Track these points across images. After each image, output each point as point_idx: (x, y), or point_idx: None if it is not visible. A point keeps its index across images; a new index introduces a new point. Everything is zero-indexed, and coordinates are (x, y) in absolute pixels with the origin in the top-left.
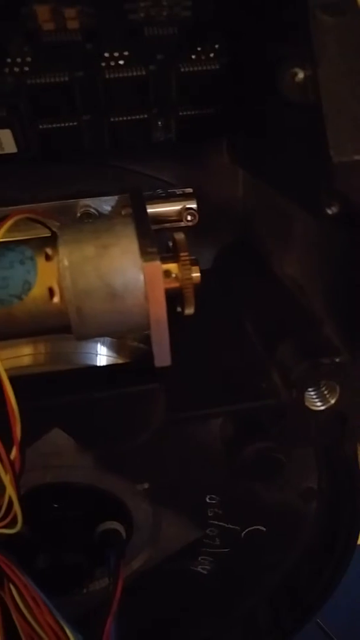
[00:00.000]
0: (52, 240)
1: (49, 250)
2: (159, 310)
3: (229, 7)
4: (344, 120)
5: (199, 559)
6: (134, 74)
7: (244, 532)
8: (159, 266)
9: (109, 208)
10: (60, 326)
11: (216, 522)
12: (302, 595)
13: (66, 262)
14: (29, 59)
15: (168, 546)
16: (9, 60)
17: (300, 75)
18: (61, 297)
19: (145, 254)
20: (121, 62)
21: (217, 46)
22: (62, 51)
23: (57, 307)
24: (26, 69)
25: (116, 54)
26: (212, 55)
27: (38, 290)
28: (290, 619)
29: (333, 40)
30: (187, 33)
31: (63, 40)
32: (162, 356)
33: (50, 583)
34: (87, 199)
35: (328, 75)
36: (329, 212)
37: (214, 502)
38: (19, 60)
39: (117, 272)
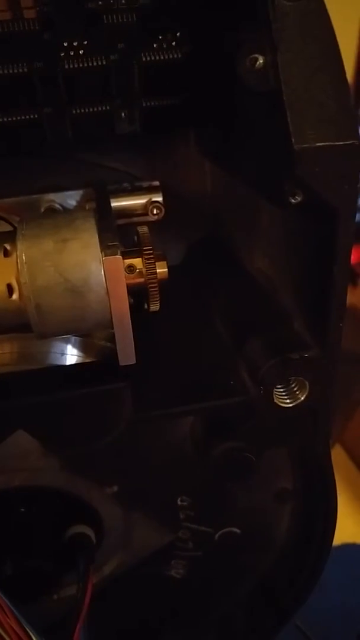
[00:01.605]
0: (11, 236)
1: (7, 246)
2: (121, 306)
3: None
4: (305, 106)
5: (172, 562)
6: (95, 63)
7: (218, 535)
8: (119, 260)
9: (73, 203)
10: (20, 324)
11: (188, 525)
12: (278, 598)
13: (24, 258)
14: None
15: (140, 550)
16: None
17: (260, 61)
18: (20, 293)
19: (106, 248)
20: (81, 51)
21: (178, 34)
22: (20, 41)
23: (16, 305)
24: None
25: (75, 44)
26: (173, 43)
27: None
28: (266, 623)
29: (292, 24)
30: (147, 21)
31: (20, 30)
32: (126, 354)
33: (18, 589)
34: (51, 193)
35: (288, 60)
36: (293, 201)
37: (185, 504)
38: None
39: (77, 267)
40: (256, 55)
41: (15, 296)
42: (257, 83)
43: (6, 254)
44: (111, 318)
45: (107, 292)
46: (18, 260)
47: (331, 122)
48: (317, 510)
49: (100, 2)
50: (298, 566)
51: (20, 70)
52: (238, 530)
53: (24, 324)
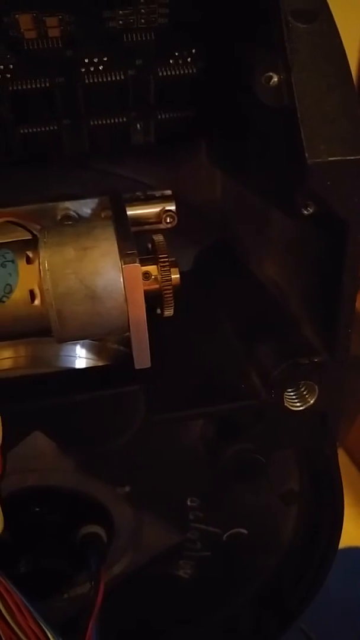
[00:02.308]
0: (32, 243)
1: (29, 253)
2: (138, 312)
3: (204, 14)
4: (317, 122)
5: (181, 562)
6: (113, 78)
7: (226, 535)
8: (138, 268)
9: (88, 211)
10: (41, 329)
11: (197, 525)
12: (284, 600)
13: (47, 265)
14: (11, 66)
15: (149, 550)
16: None
17: (275, 79)
18: (42, 299)
19: (125, 256)
20: (101, 67)
21: (193, 51)
22: (43, 58)
23: (38, 310)
24: (8, 75)
25: (96, 60)
26: (189, 59)
27: (19, 293)
28: (272, 624)
29: (305, 45)
30: (164, 39)
31: (44, 47)
32: (142, 358)
33: (31, 588)
34: (67, 201)
35: (301, 79)
36: (305, 212)
37: (195, 505)
38: (1, 67)
39: (97, 275)
40: (271, 74)
41: (37, 302)
42: (271, 100)
43: (28, 261)
44: (128, 323)
45: (126, 299)
46: (40, 268)
47: (343, 137)
48: (324, 512)
49: (120, 22)
50: (304, 568)
51: (43, 85)
52: (245, 531)
53: (44, 328)
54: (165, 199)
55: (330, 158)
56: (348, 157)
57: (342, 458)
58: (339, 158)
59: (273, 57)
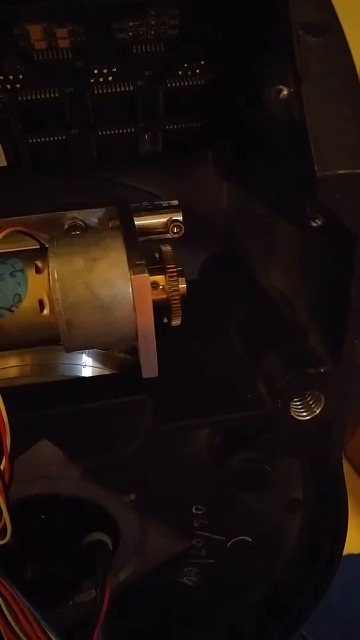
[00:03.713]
0: (41, 253)
1: (39, 263)
2: (146, 322)
3: (214, 26)
4: (327, 135)
5: (185, 570)
6: (122, 89)
7: (230, 543)
8: (147, 278)
9: (96, 220)
10: (50, 338)
11: (202, 533)
12: (287, 607)
13: (56, 275)
14: (21, 76)
15: (154, 557)
16: (1, 77)
17: (285, 92)
18: (51, 309)
19: (134, 267)
20: (110, 78)
21: (202, 62)
22: (53, 68)
23: (47, 320)
24: (18, 85)
25: (105, 71)
26: (197, 71)
27: (28, 303)
28: (276, 631)
29: (315, 58)
30: (173, 50)
31: (54, 58)
32: (149, 367)
33: (37, 594)
34: (75, 211)
35: (311, 92)
36: (314, 224)
37: (200, 512)
38: (11, 77)
39: (106, 285)
40: (281, 87)
41: (46, 311)
42: (281, 112)
43: (38, 270)
44: (136, 333)
45: (134, 308)
46: (50, 278)
47: (352, 150)
48: (328, 519)
49: (130, 33)
50: (308, 575)
51: (52, 95)
52: (250, 539)
53: (53, 338)
54: (172, 208)
55: (340, 171)
56: (357, 170)
57: (345, 466)
58: (348, 171)
59: (283, 70)
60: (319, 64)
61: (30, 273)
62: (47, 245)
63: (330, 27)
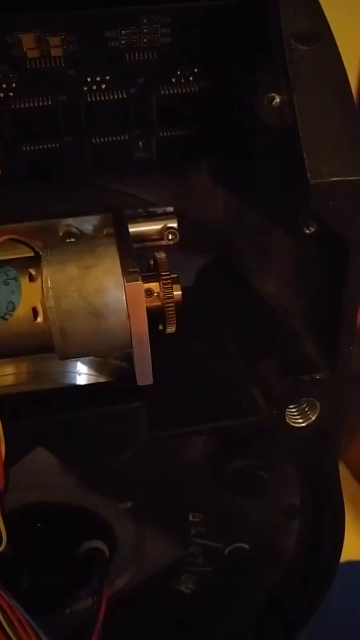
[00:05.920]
0: (35, 261)
1: (32, 271)
2: (141, 329)
3: (207, 34)
4: (319, 143)
5: (182, 577)
6: (115, 97)
7: (227, 550)
8: (140, 286)
9: (90, 227)
10: (44, 346)
11: (199, 540)
12: (287, 613)
13: (50, 283)
14: (13, 85)
15: (151, 565)
16: None
17: (277, 99)
18: (44, 317)
19: (128, 274)
20: (103, 86)
21: (195, 70)
22: (46, 77)
23: (40, 327)
24: (10, 94)
25: (98, 79)
26: (191, 78)
27: (22, 311)
28: (275, 637)
29: (307, 66)
30: (166, 58)
31: (47, 66)
32: (144, 374)
33: (34, 602)
34: (69, 218)
35: (303, 99)
36: (307, 231)
37: (197, 520)
38: (4, 85)
39: (99, 292)
40: (273, 94)
41: (40, 319)
42: (274, 120)
43: (31, 278)
44: (131, 340)
45: (128, 316)
46: (43, 285)
47: (344, 158)
48: (325, 526)
49: (123, 42)
50: (306, 580)
51: (45, 103)
52: (247, 546)
53: (47, 346)
54: (167, 216)
55: (333, 178)
56: (350, 178)
57: (343, 472)
58: (340, 178)
59: (275, 78)
60: (310, 73)
61: (24, 281)
62: (41, 253)
63: (322, 36)
